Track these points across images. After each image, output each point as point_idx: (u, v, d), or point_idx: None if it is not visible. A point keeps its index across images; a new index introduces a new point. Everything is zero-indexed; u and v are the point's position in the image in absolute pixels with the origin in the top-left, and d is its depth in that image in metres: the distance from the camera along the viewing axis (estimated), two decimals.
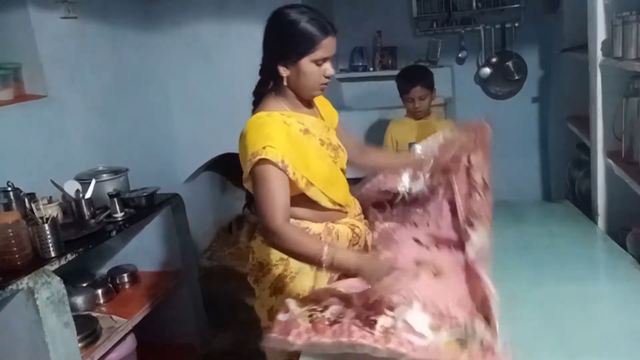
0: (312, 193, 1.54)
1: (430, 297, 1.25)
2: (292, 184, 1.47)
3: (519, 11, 3.57)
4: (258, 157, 1.41)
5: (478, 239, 1.55)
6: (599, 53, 1.98)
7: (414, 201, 1.90)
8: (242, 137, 1.50)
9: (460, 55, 3.77)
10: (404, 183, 1.81)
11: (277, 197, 1.42)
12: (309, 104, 1.63)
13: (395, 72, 3.74)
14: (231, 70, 3.32)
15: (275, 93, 1.56)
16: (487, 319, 1.24)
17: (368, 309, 1.25)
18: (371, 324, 1.20)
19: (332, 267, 1.37)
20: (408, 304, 1.21)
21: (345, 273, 1.40)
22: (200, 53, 3.38)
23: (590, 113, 2.12)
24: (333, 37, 1.48)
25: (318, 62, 1.47)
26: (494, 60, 3.69)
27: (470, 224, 1.62)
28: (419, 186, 1.82)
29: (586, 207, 2.24)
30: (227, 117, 3.38)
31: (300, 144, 1.51)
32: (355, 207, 1.74)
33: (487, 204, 1.68)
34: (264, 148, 1.41)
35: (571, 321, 1.38)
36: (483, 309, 1.29)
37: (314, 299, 1.38)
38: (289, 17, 1.46)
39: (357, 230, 1.67)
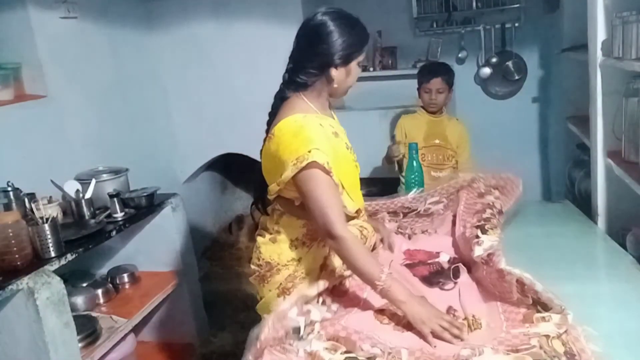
0: (342, 198, 1.52)
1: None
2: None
3: (519, 11, 3.56)
4: (306, 162, 1.39)
5: (488, 241, 1.57)
6: (599, 53, 1.98)
7: (426, 214, 1.97)
8: (276, 141, 1.48)
9: (460, 55, 3.76)
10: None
11: (333, 201, 1.42)
12: (329, 105, 1.64)
13: (396, 72, 3.77)
14: (231, 71, 3.32)
15: (302, 94, 1.54)
16: (543, 304, 1.27)
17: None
18: None
19: (382, 292, 1.35)
20: (479, 353, 1.16)
21: (394, 304, 1.36)
22: (199, 53, 3.38)
23: (590, 113, 2.12)
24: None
25: (360, 64, 1.55)
26: (494, 60, 3.69)
27: (483, 229, 1.64)
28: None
29: (586, 207, 2.24)
30: (227, 117, 3.39)
31: (334, 147, 1.50)
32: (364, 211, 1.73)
33: (498, 224, 1.72)
34: (309, 152, 1.39)
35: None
36: (524, 299, 1.31)
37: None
38: (349, 18, 1.52)
39: (365, 232, 1.66)
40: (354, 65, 1.52)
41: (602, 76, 1.99)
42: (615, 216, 2.04)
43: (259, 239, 1.66)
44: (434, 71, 2.76)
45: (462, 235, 1.73)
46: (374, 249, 1.72)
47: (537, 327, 1.22)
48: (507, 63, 3.67)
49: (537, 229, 2.01)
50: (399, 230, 1.93)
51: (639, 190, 1.73)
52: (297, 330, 1.28)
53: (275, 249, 1.61)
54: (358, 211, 1.64)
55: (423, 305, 1.34)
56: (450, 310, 1.40)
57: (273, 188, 1.53)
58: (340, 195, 1.48)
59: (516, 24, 3.59)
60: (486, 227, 1.65)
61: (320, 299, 1.43)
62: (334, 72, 1.49)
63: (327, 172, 1.42)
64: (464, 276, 1.57)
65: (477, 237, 1.60)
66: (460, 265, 1.61)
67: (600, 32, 1.96)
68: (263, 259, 1.63)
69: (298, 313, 1.34)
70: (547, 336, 1.17)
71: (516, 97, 3.79)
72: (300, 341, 1.24)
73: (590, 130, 2.14)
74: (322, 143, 1.43)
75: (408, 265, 1.69)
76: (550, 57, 3.56)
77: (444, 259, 1.69)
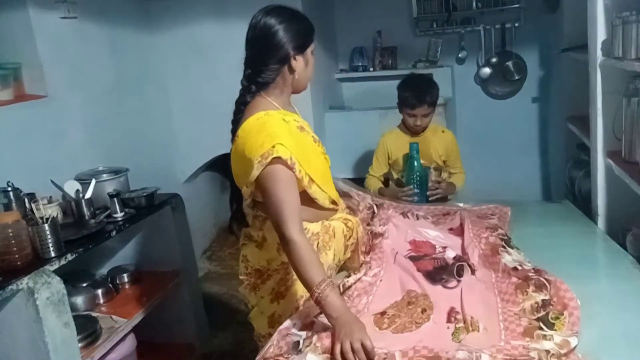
0: (313, 190, 1.54)
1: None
2: (298, 182, 1.47)
3: (519, 11, 3.57)
4: (271, 157, 1.39)
5: (516, 254, 1.63)
6: (599, 53, 1.98)
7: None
8: (241, 142, 1.48)
9: (460, 55, 3.77)
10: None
11: (291, 201, 1.41)
12: (291, 105, 1.65)
13: (396, 72, 3.77)
14: (231, 70, 3.30)
15: (264, 94, 1.56)
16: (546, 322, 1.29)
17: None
18: None
19: (317, 301, 1.32)
20: (476, 358, 1.16)
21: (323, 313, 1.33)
22: (199, 53, 3.38)
23: (590, 113, 2.12)
24: None
25: (313, 52, 1.58)
26: (494, 60, 3.69)
27: (508, 244, 1.69)
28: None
29: (586, 207, 2.24)
30: (227, 117, 3.37)
31: (300, 141, 1.52)
32: (342, 202, 1.75)
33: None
34: (273, 147, 1.40)
35: None
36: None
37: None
38: (293, 10, 1.55)
39: (349, 224, 1.69)
40: (309, 53, 1.56)
41: (602, 76, 1.99)
42: (615, 216, 2.04)
43: (245, 248, 1.66)
44: (419, 97, 2.47)
45: (475, 237, 1.74)
46: (357, 241, 1.74)
47: (538, 343, 1.21)
48: (507, 63, 3.68)
49: (537, 229, 2.01)
50: (405, 213, 1.93)
51: (639, 190, 1.73)
52: (296, 345, 1.29)
53: (264, 255, 1.60)
54: (334, 202, 1.66)
55: (352, 322, 1.26)
56: (452, 312, 1.40)
57: (245, 191, 1.52)
58: (297, 193, 1.46)
59: (516, 24, 3.59)
60: (511, 243, 1.69)
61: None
62: (294, 62, 1.52)
63: (290, 168, 1.43)
64: (467, 276, 1.57)
65: (504, 247, 1.63)
66: (465, 264, 1.61)
67: (600, 32, 1.96)
68: (252, 267, 1.63)
69: (300, 327, 1.34)
70: (547, 352, 1.17)
71: (516, 97, 3.79)
72: (298, 355, 1.24)
73: (590, 130, 2.14)
74: (285, 138, 1.44)
75: (412, 258, 1.69)
76: (550, 57, 3.56)
77: (449, 254, 1.69)
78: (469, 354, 1.15)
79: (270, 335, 1.55)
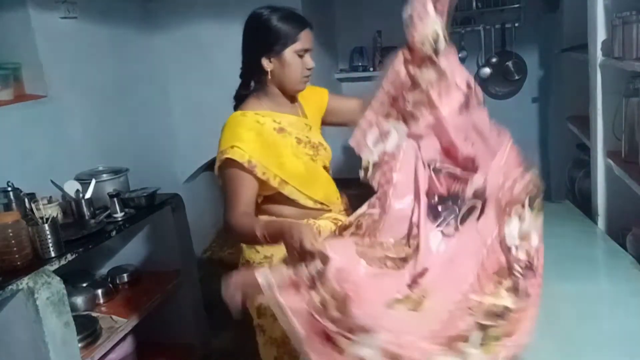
0: (288, 191, 1.57)
1: (395, 334, 1.18)
2: (264, 183, 1.52)
3: (519, 11, 3.56)
4: (225, 156, 1.48)
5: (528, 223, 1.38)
6: (599, 53, 1.98)
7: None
8: (221, 134, 1.57)
9: (460, 55, 3.71)
10: (369, 149, 1.55)
11: (236, 196, 1.49)
12: (292, 101, 1.66)
13: None
14: (231, 70, 3.30)
15: (257, 93, 1.61)
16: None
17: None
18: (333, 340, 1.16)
19: (263, 238, 1.38)
20: (369, 336, 1.13)
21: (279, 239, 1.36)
22: (200, 53, 3.37)
23: (590, 113, 2.12)
24: (310, 30, 1.56)
25: (299, 54, 1.55)
26: (494, 60, 3.69)
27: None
28: (392, 142, 1.52)
29: (586, 207, 2.24)
30: (227, 117, 3.39)
31: (273, 143, 1.56)
32: (340, 203, 1.74)
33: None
34: (231, 147, 1.48)
35: (571, 321, 1.38)
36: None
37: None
38: (267, 14, 1.55)
39: (339, 224, 1.65)
40: (289, 55, 1.53)
41: (602, 76, 1.99)
42: (615, 216, 2.04)
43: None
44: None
45: (503, 174, 1.46)
46: None
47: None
48: (507, 63, 3.67)
49: None
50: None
51: (639, 190, 1.73)
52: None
53: (251, 248, 1.66)
54: (323, 204, 1.66)
55: (297, 226, 1.31)
56: (417, 277, 1.30)
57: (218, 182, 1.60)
58: (250, 192, 1.51)
59: (516, 24, 3.59)
60: (535, 203, 1.39)
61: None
62: (266, 64, 1.54)
63: (247, 170, 1.49)
64: (469, 224, 1.39)
65: (523, 207, 1.37)
66: (476, 208, 1.41)
67: (600, 32, 1.96)
68: (244, 259, 1.69)
69: None
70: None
71: (516, 97, 3.79)
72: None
73: (590, 130, 2.15)
74: (247, 140, 1.51)
75: (435, 171, 1.48)
76: (550, 57, 3.56)
77: (476, 181, 1.43)
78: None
79: (260, 325, 1.66)
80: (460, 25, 3.69)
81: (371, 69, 3.83)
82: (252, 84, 1.61)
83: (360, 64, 3.82)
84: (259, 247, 1.63)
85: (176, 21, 3.36)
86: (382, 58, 3.79)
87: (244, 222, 1.46)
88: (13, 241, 1.80)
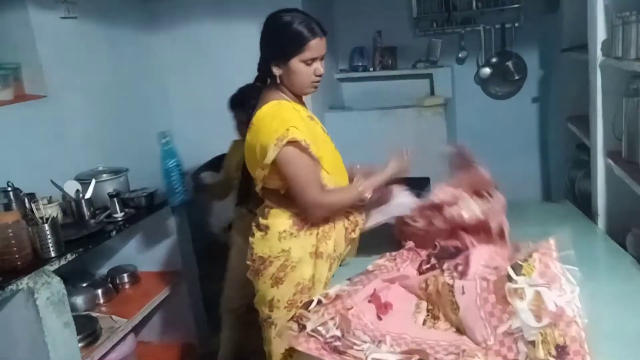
0: (321, 175, 1.62)
1: (400, 336, 1.25)
2: (315, 162, 1.58)
3: (519, 11, 3.57)
4: (286, 140, 1.50)
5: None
6: (599, 53, 1.98)
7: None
8: (256, 129, 1.58)
9: (460, 55, 3.77)
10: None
11: (312, 177, 1.55)
12: (301, 101, 1.72)
13: (396, 72, 3.78)
14: (231, 70, 3.30)
15: (274, 87, 1.65)
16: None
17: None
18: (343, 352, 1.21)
19: (373, 195, 1.62)
20: (377, 344, 1.20)
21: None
22: (200, 52, 3.38)
23: (590, 113, 2.12)
24: (322, 38, 1.58)
25: (307, 62, 1.58)
26: (494, 60, 3.69)
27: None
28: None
29: (586, 207, 2.23)
30: (227, 117, 3.39)
31: (309, 127, 1.62)
32: None
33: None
34: (287, 130, 1.50)
35: None
36: None
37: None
38: (281, 20, 1.58)
39: (351, 217, 1.73)
40: (295, 64, 1.58)
41: (602, 76, 1.99)
42: (615, 216, 2.04)
43: (251, 238, 1.73)
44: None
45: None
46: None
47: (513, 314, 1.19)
48: (507, 63, 3.67)
49: (537, 229, 2.00)
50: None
51: (639, 190, 1.73)
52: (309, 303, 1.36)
53: (266, 244, 1.68)
54: None
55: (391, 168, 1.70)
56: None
57: (258, 175, 1.61)
58: (319, 170, 1.59)
59: (516, 24, 3.59)
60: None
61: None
62: (275, 69, 1.61)
63: (305, 149, 1.53)
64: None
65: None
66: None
67: (600, 32, 1.96)
68: (256, 254, 1.70)
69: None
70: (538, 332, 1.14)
71: (516, 97, 3.79)
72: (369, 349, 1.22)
73: (590, 130, 2.14)
74: (298, 122, 1.56)
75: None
76: (550, 57, 3.56)
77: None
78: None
79: (270, 319, 1.69)
80: (460, 25, 3.70)
81: (371, 69, 3.83)
82: (267, 80, 1.67)
83: (360, 64, 3.82)
84: (274, 242, 1.65)
85: (176, 21, 3.36)
86: (382, 58, 3.79)
87: (337, 195, 1.62)
88: (13, 241, 1.80)
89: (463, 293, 1.32)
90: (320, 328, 1.27)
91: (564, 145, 3.20)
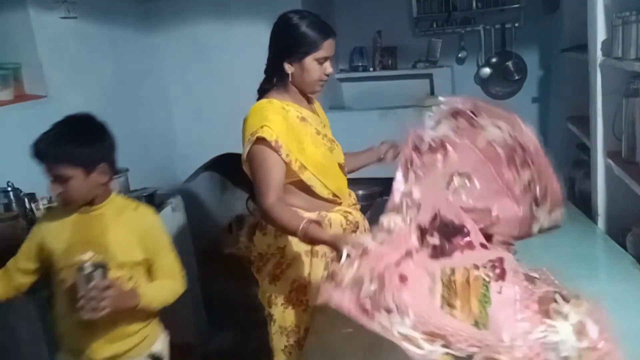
0: (306, 177, 1.62)
1: (422, 314, 1.19)
2: (286, 166, 1.57)
3: (519, 11, 3.56)
4: (256, 136, 1.53)
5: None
6: (599, 53, 1.98)
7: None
8: (244, 122, 1.62)
9: (460, 55, 3.77)
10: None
11: (270, 176, 1.54)
12: (308, 101, 1.75)
13: (396, 72, 3.77)
14: (231, 70, 3.32)
15: (277, 88, 1.67)
16: None
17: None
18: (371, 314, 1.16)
19: (305, 237, 1.44)
20: (401, 315, 1.16)
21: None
22: (200, 53, 3.38)
23: (590, 113, 2.12)
24: (333, 39, 1.62)
25: (320, 61, 1.61)
26: (494, 60, 3.69)
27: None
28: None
29: (586, 207, 2.23)
30: (227, 117, 3.39)
31: (296, 129, 1.63)
32: (350, 198, 1.80)
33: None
34: (261, 127, 1.54)
35: None
36: None
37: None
38: (295, 20, 1.61)
39: (350, 217, 1.73)
40: (309, 62, 1.60)
41: (602, 76, 1.99)
42: (615, 216, 2.04)
43: (256, 233, 1.77)
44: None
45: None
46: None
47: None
48: (507, 63, 3.67)
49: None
50: None
51: (639, 190, 1.73)
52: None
53: (265, 240, 1.72)
54: (336, 196, 1.71)
55: (345, 236, 1.46)
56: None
57: (245, 169, 1.64)
58: (281, 173, 1.57)
59: (516, 24, 3.59)
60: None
61: None
62: (287, 67, 1.62)
63: (275, 149, 1.53)
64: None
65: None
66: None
67: (600, 32, 1.96)
68: (257, 251, 1.75)
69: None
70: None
71: (516, 97, 3.79)
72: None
73: (590, 130, 2.14)
74: (276, 122, 1.56)
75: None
76: (550, 57, 3.56)
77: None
78: None
79: (270, 314, 1.72)
80: (460, 25, 3.70)
81: (371, 69, 3.83)
82: (274, 79, 1.68)
83: (360, 64, 3.82)
84: (271, 240, 1.69)
85: (176, 21, 3.36)
86: (382, 58, 3.79)
87: (284, 215, 1.50)
88: (13, 241, 1.80)
89: (499, 292, 1.32)
90: (355, 283, 1.18)
91: (564, 145, 3.20)
